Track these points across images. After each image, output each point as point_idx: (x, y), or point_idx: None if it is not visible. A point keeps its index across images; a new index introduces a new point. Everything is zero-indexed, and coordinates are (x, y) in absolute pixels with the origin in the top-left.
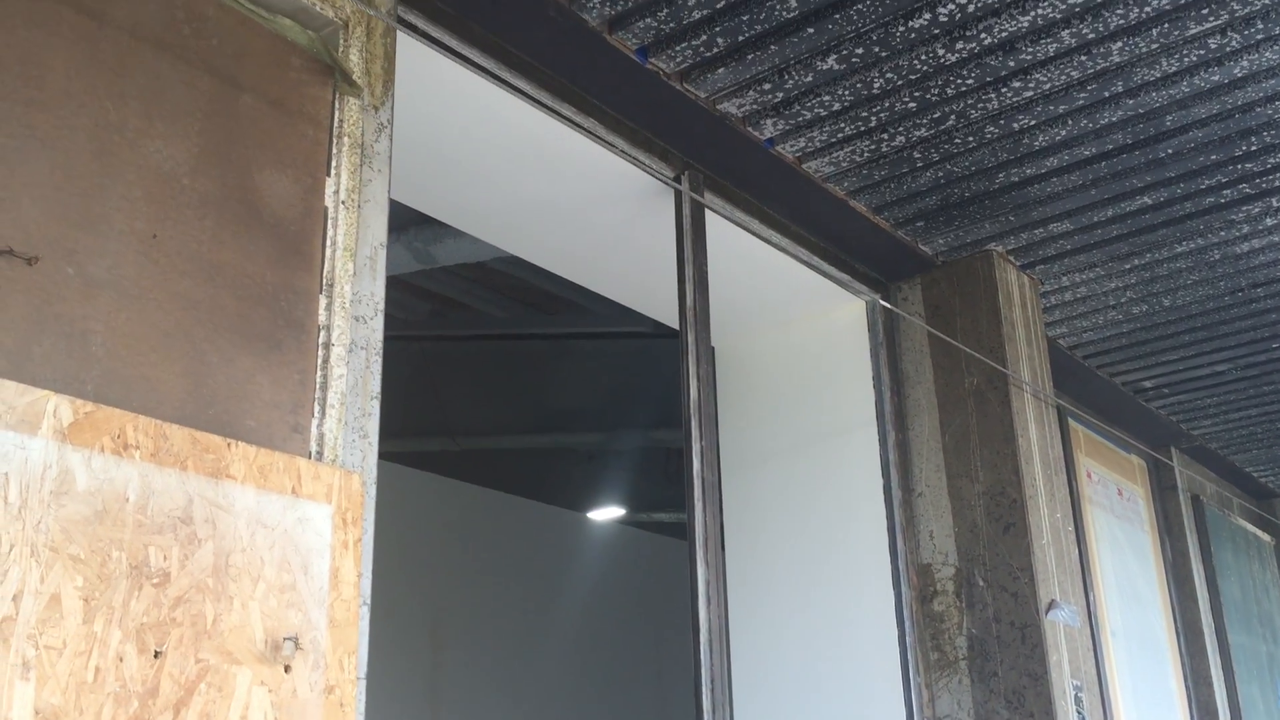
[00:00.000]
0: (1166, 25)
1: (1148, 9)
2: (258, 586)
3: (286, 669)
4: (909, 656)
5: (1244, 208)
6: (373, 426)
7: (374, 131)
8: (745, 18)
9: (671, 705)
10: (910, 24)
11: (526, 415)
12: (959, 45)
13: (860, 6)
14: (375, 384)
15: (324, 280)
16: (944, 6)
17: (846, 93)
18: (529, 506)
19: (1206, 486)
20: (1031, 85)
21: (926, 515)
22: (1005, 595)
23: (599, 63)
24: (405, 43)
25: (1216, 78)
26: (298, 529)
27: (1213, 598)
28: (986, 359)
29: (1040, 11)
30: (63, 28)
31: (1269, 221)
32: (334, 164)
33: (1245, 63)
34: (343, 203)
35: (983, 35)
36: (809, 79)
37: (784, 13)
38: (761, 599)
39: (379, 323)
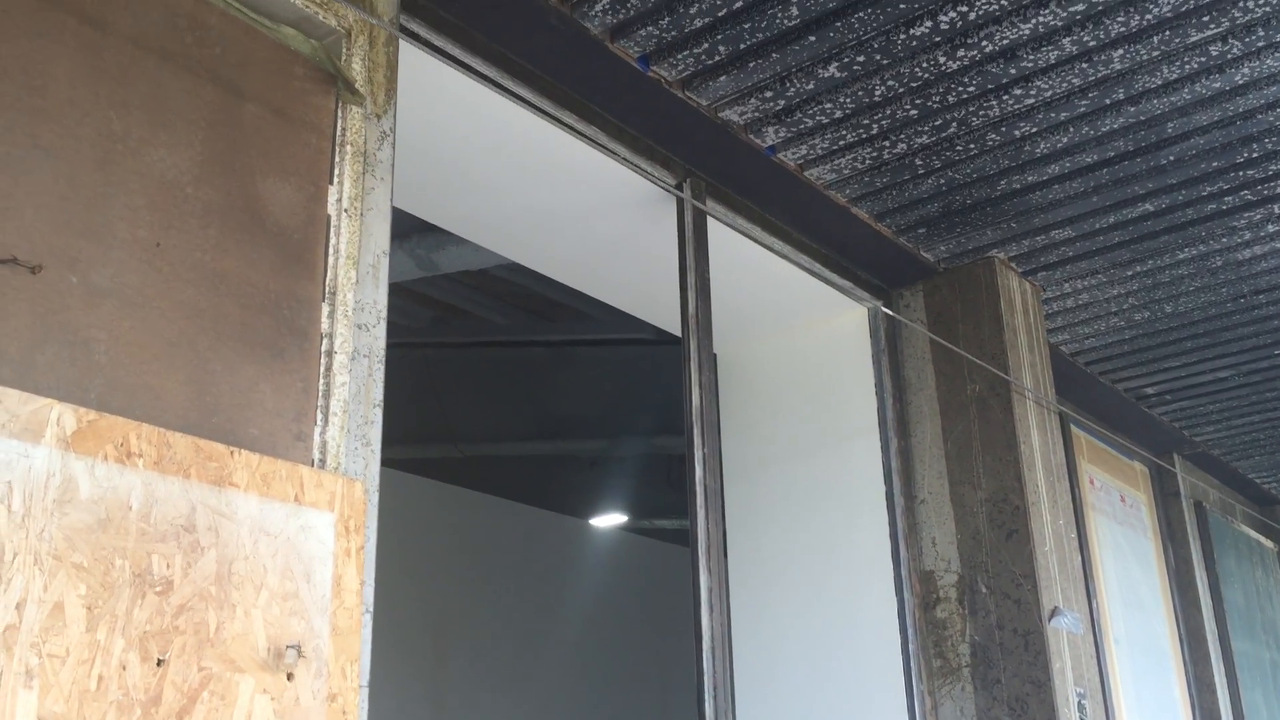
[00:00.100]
0: (1168, 32)
1: (1149, 16)
2: (260, 594)
3: (289, 677)
4: (912, 664)
5: (1246, 214)
6: (375, 434)
7: (376, 140)
8: (746, 26)
9: (674, 712)
10: (911, 32)
11: (529, 422)
12: (960, 53)
13: (861, 14)
14: (378, 391)
15: (327, 288)
16: (945, 14)
17: (848, 100)
18: (531, 513)
19: (1209, 493)
20: (1033, 92)
21: (929, 522)
22: (1008, 602)
23: (601, 71)
24: (408, 51)
25: (1218, 85)
26: (300, 537)
27: (1216, 604)
28: (989, 366)
29: (1041, 19)
30: (66, 37)
31: (1271, 228)
32: (337, 172)
33: (1246, 69)
34: (345, 211)
35: (984, 43)
36: (810, 86)
37: (785, 21)
38: (764, 605)
39: (381, 330)
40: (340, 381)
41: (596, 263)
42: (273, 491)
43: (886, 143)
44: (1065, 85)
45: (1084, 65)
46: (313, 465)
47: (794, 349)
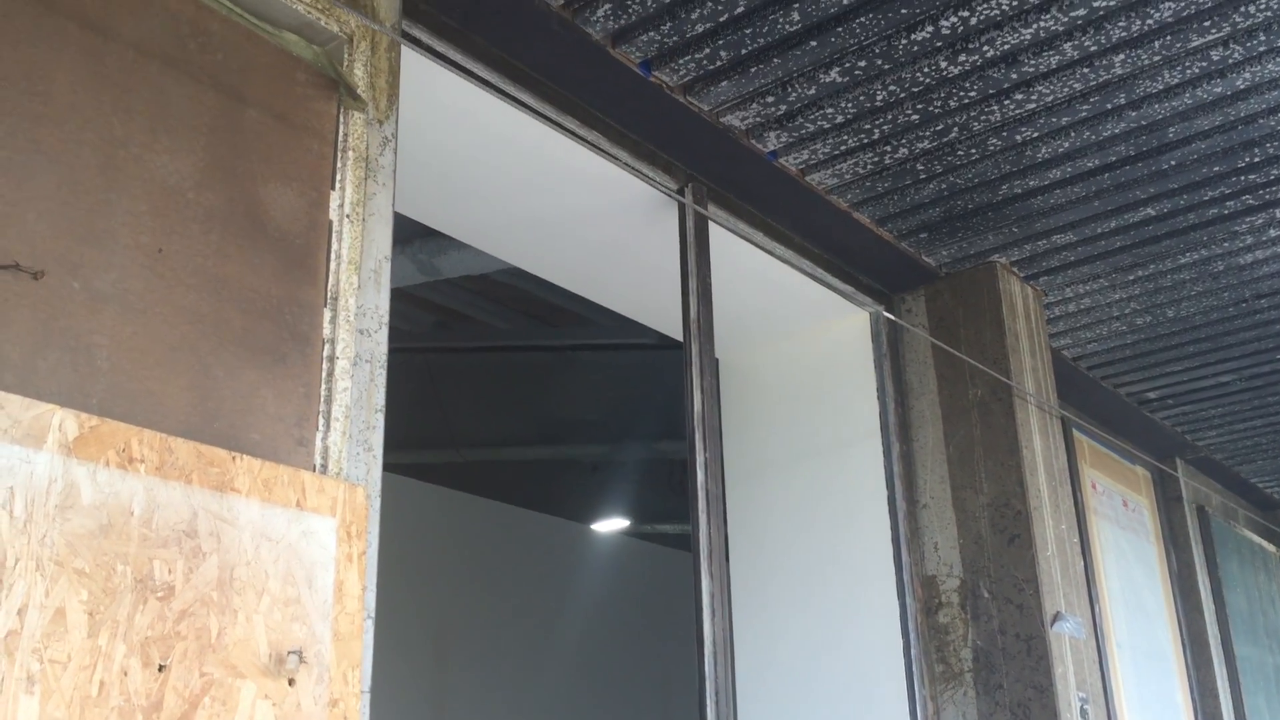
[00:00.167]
0: (1169, 37)
1: (1150, 21)
2: (262, 600)
3: (291, 682)
4: (914, 669)
5: (1247, 219)
6: (377, 439)
7: (378, 145)
8: (748, 31)
9: (676, 716)
10: (912, 37)
11: (530, 427)
12: (961, 58)
13: (863, 19)
14: (379, 397)
15: (328, 293)
16: (946, 19)
17: (849, 105)
18: (533, 518)
19: (1212, 498)
20: (1034, 97)
21: (931, 527)
22: (1010, 607)
23: (602, 76)
24: (410, 57)
25: (1219, 89)
26: (302, 542)
27: (1218, 609)
28: (990, 370)
29: (1042, 24)
30: (69, 43)
31: (1272, 232)
32: (339, 178)
33: (1247, 74)
34: (347, 216)
35: (985, 48)
36: (812, 92)
37: (786, 26)
38: (766, 610)
39: (383, 335)
40: (342, 387)
41: (598, 268)
42: (274, 497)
43: (888, 147)
44: (1066, 90)
45: (1085, 70)
46: (314, 470)
47: (796, 354)
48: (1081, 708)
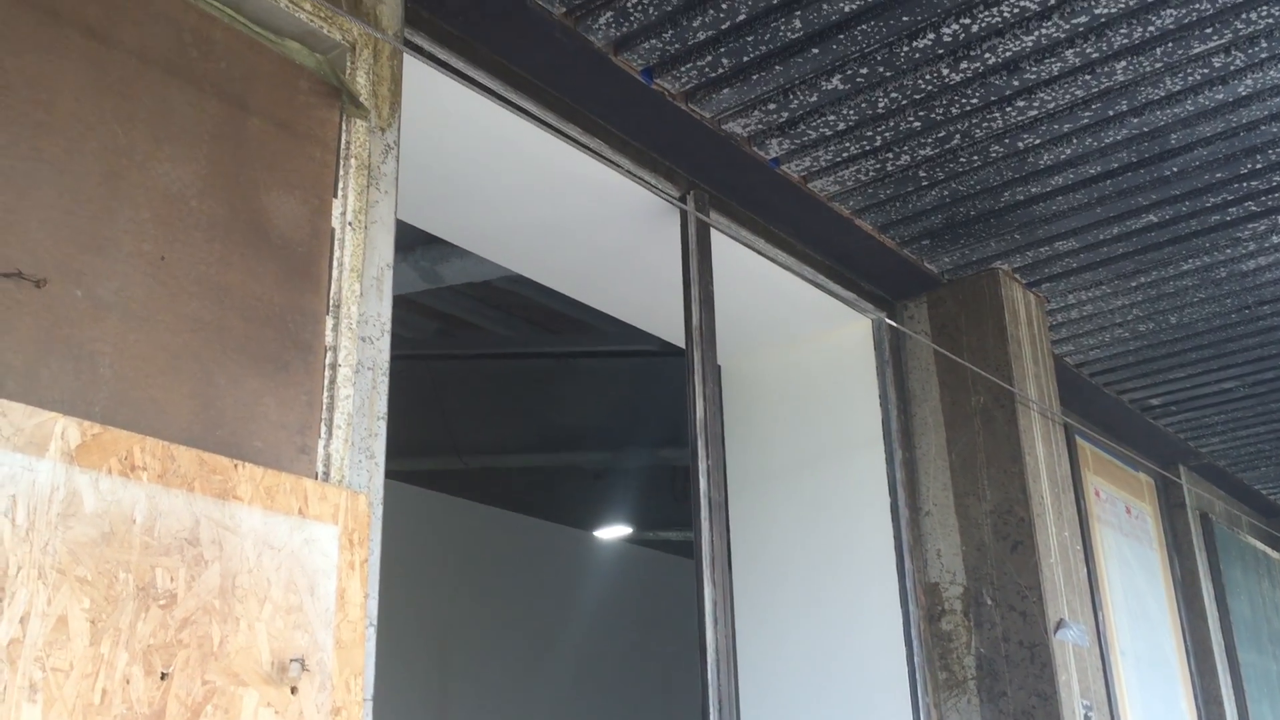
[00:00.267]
0: (1170, 44)
1: (1151, 28)
2: (264, 608)
3: (293, 691)
4: (917, 676)
5: (1250, 225)
6: (379, 447)
7: (381, 153)
8: (750, 39)
9: None
10: (914, 44)
11: (533, 434)
12: (963, 65)
13: (864, 27)
14: (382, 404)
15: (331, 301)
16: (948, 27)
17: (851, 112)
18: (536, 525)
19: (1215, 504)
20: (1036, 104)
21: (934, 534)
22: (1014, 614)
23: (605, 83)
24: (412, 65)
25: (1221, 96)
26: (304, 550)
27: (1222, 616)
28: (993, 377)
29: (1044, 31)
30: (71, 52)
31: (1275, 239)
32: (341, 185)
33: (1249, 81)
34: (349, 224)
35: (987, 55)
36: (813, 99)
37: (788, 33)
38: (768, 617)
39: (385, 343)
40: (344, 394)
41: (600, 274)
42: (277, 504)
43: (890, 155)
44: (1068, 97)
45: (1087, 77)
46: (317, 478)
47: (798, 361)
48: (1085, 716)
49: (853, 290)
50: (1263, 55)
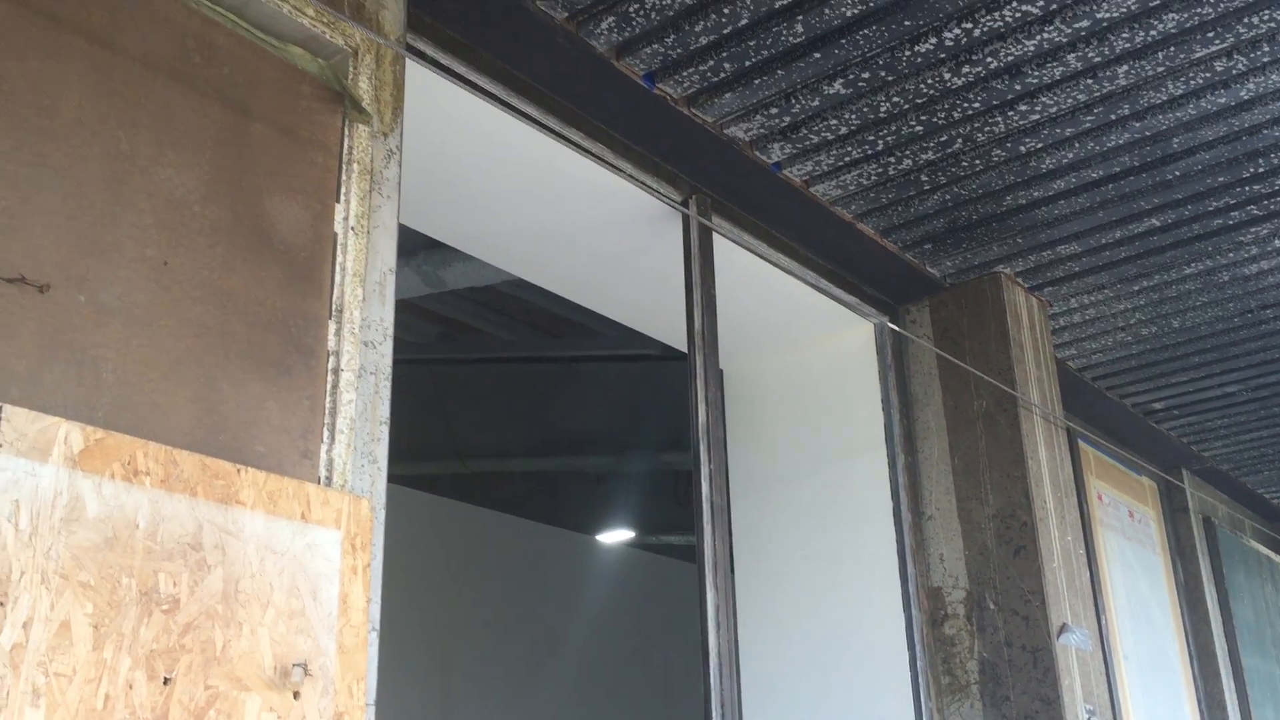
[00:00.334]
0: (1173, 48)
1: (1153, 32)
2: (267, 612)
3: (296, 695)
4: (920, 680)
5: (1252, 229)
6: (382, 451)
7: (383, 158)
8: (752, 43)
9: None
10: (916, 49)
11: (535, 438)
12: (965, 69)
13: (866, 31)
14: (384, 409)
15: (333, 306)
16: (950, 31)
17: (853, 117)
18: (538, 529)
19: (1218, 508)
20: (1038, 108)
21: (936, 538)
22: (1016, 619)
23: (607, 88)
24: (414, 70)
25: (1223, 100)
26: (307, 554)
27: (1225, 620)
28: (995, 381)
29: (1046, 35)
30: (75, 57)
31: (1277, 243)
32: (343, 190)
33: (1252, 85)
34: (352, 229)
35: (989, 59)
36: (815, 103)
37: (790, 38)
38: (771, 622)
39: (388, 347)
40: (347, 399)
41: (602, 279)
42: (279, 509)
43: (892, 159)
44: (1070, 101)
45: (1089, 81)
46: (319, 483)
47: (800, 364)
48: None
49: (855, 294)
50: (1264, 59)
